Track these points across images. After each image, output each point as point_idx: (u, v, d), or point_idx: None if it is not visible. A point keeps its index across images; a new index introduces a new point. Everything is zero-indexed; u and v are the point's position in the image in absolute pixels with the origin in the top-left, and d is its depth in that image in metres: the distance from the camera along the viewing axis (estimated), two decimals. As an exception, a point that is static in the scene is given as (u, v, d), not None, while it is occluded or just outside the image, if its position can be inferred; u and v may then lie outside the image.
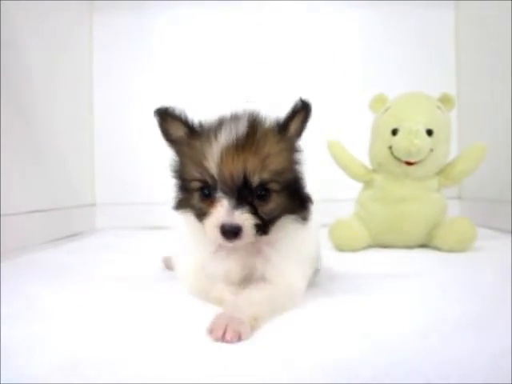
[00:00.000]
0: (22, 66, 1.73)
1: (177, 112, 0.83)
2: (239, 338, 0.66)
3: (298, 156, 0.84)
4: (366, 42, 2.36)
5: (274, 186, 0.78)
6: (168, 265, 1.27)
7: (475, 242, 1.50)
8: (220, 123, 0.81)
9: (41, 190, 1.84)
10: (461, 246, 1.48)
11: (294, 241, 0.86)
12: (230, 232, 0.74)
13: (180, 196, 0.86)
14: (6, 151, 1.56)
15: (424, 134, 1.47)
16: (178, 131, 0.84)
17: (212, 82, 2.34)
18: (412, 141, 1.45)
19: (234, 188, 0.75)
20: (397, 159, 1.51)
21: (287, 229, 0.84)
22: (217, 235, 0.75)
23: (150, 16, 2.41)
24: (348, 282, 1.03)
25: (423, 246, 1.60)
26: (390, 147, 1.52)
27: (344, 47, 2.36)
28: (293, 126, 0.82)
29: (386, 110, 1.57)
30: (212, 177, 0.76)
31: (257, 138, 0.77)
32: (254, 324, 0.70)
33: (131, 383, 0.53)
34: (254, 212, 0.76)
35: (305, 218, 0.85)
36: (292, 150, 0.82)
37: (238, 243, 0.76)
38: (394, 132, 1.52)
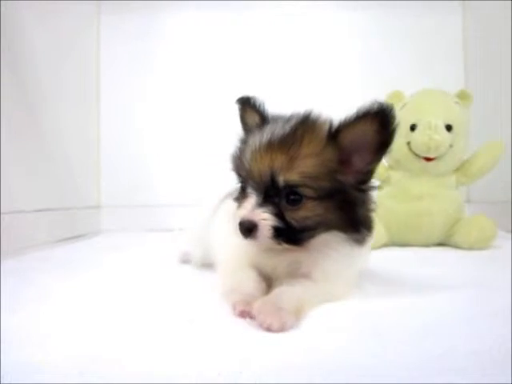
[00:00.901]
0: (30, 66, 1.70)
1: (256, 102, 0.83)
2: (283, 329, 0.63)
3: (350, 170, 0.73)
4: (380, 42, 2.33)
5: (306, 192, 0.71)
6: (186, 258, 1.23)
7: (494, 240, 1.48)
8: (275, 119, 0.78)
9: (46, 189, 1.80)
10: (481, 244, 1.45)
11: (344, 257, 0.78)
12: (245, 228, 0.71)
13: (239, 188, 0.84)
14: (13, 150, 1.52)
15: (443, 130, 1.45)
16: (252, 121, 0.83)
17: (216, 83, 2.32)
18: (431, 136, 1.43)
19: (261, 185, 0.73)
20: (415, 155, 1.49)
21: (333, 247, 0.76)
22: (237, 229, 0.73)
23: (157, 18, 2.40)
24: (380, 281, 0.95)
25: (441, 244, 1.57)
26: (409, 143, 1.50)
27: (358, 47, 2.33)
28: (347, 134, 0.72)
29: (404, 105, 1.56)
30: (246, 172, 0.75)
31: (294, 138, 0.72)
32: (298, 316, 0.67)
33: (150, 373, 0.49)
34: (278, 214, 0.71)
35: (358, 241, 0.76)
36: (337, 158, 0.72)
37: (255, 242, 0.72)
38: (413, 128, 1.50)
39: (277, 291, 0.71)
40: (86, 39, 2.29)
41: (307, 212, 0.71)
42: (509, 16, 1.92)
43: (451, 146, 1.47)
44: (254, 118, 0.82)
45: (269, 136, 0.73)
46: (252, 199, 0.73)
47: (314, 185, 0.70)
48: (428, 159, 1.48)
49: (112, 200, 2.39)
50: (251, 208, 0.72)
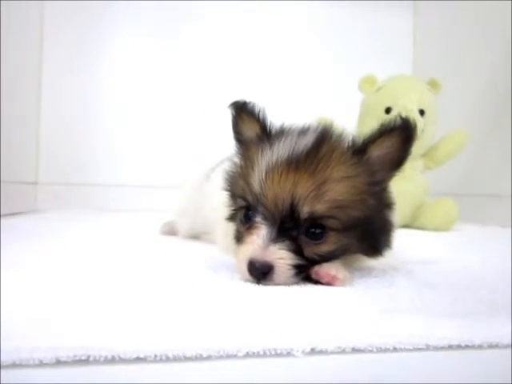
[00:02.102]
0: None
1: (255, 108, 0.70)
2: (345, 282, 0.61)
3: (380, 190, 0.66)
4: (338, 37, 2.39)
5: (331, 223, 0.60)
6: (170, 230, 1.13)
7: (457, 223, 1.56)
8: (285, 132, 0.67)
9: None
10: (446, 225, 1.52)
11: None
12: (258, 271, 0.59)
13: (233, 207, 0.72)
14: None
15: (418, 114, 1.49)
16: (251, 131, 0.70)
17: (161, 58, 2.23)
18: (407, 119, 1.46)
19: (276, 215, 0.60)
20: (389, 138, 1.52)
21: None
22: (244, 271, 0.60)
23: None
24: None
25: (405, 226, 1.62)
26: (383, 125, 1.52)
27: (322, 40, 2.38)
28: (375, 150, 0.64)
29: (379, 89, 1.58)
30: (255, 196, 0.62)
31: (318, 158, 0.61)
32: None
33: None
34: (297, 251, 0.60)
35: (375, 257, 0.70)
36: (367, 179, 0.63)
37: (269, 283, 0.60)
38: (388, 110, 1.53)
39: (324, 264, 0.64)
40: (29, 9, 2.04)
41: (330, 246, 0.62)
42: (456, 14, 2.04)
43: (423, 130, 1.52)
44: (251, 128, 0.70)
45: (288, 153, 0.61)
46: (262, 232, 0.60)
47: (343, 215, 0.60)
48: (401, 142, 1.51)
49: (50, 177, 2.17)
50: (263, 244, 0.59)
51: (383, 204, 0.67)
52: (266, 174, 0.60)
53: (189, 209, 1.05)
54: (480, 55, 1.92)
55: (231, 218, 0.73)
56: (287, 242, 0.60)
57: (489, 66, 1.87)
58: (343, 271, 0.62)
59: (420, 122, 1.48)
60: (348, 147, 0.64)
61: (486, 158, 1.81)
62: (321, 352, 0.39)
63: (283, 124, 0.71)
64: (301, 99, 2.24)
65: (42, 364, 0.35)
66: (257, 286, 0.59)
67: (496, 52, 1.85)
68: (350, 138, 0.66)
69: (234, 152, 0.74)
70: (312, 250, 0.61)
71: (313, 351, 0.39)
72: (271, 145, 0.63)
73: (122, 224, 1.45)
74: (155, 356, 0.36)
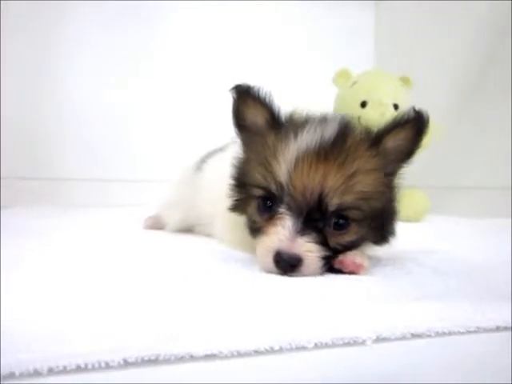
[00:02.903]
0: None
1: (261, 93, 0.67)
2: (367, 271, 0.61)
3: (391, 181, 0.67)
4: (307, 34, 2.41)
5: (354, 215, 0.61)
6: (154, 223, 1.08)
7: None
8: (305, 121, 0.65)
9: None
10: (417, 216, 1.58)
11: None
12: (286, 263, 0.58)
13: (237, 197, 0.70)
14: None
15: (392, 108, 1.53)
16: (258, 117, 0.68)
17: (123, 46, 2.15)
18: (383, 112, 1.50)
19: (303, 206, 0.59)
20: (365, 131, 1.55)
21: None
22: (269, 263, 0.59)
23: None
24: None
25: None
26: (359, 118, 1.55)
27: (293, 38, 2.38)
28: (390, 142, 0.65)
29: (354, 83, 1.61)
30: (279, 186, 0.60)
31: (346, 149, 0.60)
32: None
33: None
34: (323, 242, 0.60)
35: (382, 245, 0.70)
36: (386, 171, 0.65)
37: (293, 275, 0.59)
38: (363, 104, 1.56)
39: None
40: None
41: (353, 236, 0.62)
42: (416, 13, 2.12)
43: (396, 124, 1.57)
44: (257, 113, 0.68)
45: (315, 142, 0.59)
46: (288, 223, 0.59)
47: (366, 207, 0.61)
48: (376, 135, 1.55)
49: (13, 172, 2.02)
50: (290, 236, 0.58)
51: (394, 194, 0.68)
52: (296, 163, 0.59)
53: (179, 201, 1.01)
54: (442, 50, 2.00)
55: (235, 208, 0.71)
56: (314, 234, 0.59)
57: (451, 61, 1.95)
58: (366, 260, 0.62)
59: (394, 116, 1.52)
60: (365, 138, 0.64)
61: (445, 151, 1.89)
62: (385, 339, 0.39)
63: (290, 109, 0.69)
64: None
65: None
66: (285, 277, 0.58)
67: (458, 46, 1.93)
68: (362, 128, 0.66)
69: (236, 139, 0.72)
70: (336, 240, 0.61)
71: (378, 339, 0.39)
72: (295, 133, 0.61)
73: (96, 220, 1.37)
74: (225, 353, 0.34)
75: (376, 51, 2.52)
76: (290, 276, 0.58)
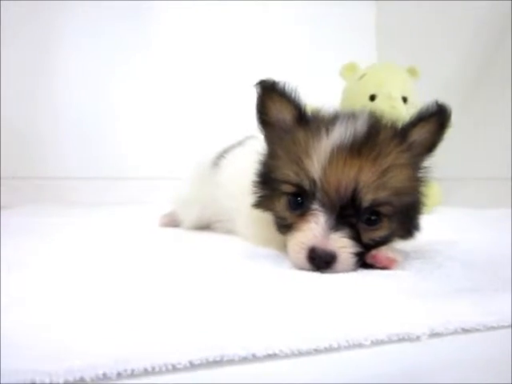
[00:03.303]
0: None
1: (287, 89, 0.67)
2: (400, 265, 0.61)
3: (420, 175, 0.67)
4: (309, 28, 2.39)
5: (386, 210, 0.60)
6: (170, 221, 1.08)
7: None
8: (334, 116, 0.65)
9: None
10: (429, 208, 1.57)
11: None
12: (321, 260, 0.57)
13: (262, 193, 0.70)
14: None
15: (401, 101, 1.53)
16: (284, 113, 0.67)
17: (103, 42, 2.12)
18: (393, 105, 1.50)
19: (336, 202, 0.58)
20: (374, 124, 1.55)
21: None
22: (302, 260, 0.59)
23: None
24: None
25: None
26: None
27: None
28: (416, 135, 0.65)
29: (362, 76, 1.60)
30: (312, 182, 0.59)
31: (379, 143, 0.60)
32: None
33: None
34: (356, 238, 0.59)
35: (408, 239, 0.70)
36: (416, 165, 0.65)
37: (330, 272, 0.59)
38: (372, 98, 1.55)
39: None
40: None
41: (385, 231, 0.62)
42: (417, 7, 2.12)
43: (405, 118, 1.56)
44: (284, 109, 0.67)
45: (348, 138, 0.59)
46: (321, 219, 0.58)
47: (397, 202, 0.61)
48: (386, 129, 1.55)
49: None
50: (324, 232, 0.58)
51: (421, 188, 0.68)
52: (329, 159, 0.58)
53: (196, 198, 1.01)
54: (444, 43, 2.00)
55: (260, 204, 0.71)
56: (347, 230, 0.58)
57: (453, 54, 1.95)
58: (398, 254, 0.62)
59: (403, 110, 1.52)
60: (396, 133, 0.64)
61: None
62: (438, 335, 0.39)
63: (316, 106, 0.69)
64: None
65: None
66: (324, 274, 0.57)
67: (459, 40, 1.93)
68: (389, 122, 0.66)
69: (254, 134, 0.72)
70: (369, 236, 0.61)
71: (431, 334, 0.39)
72: (326, 129, 0.61)
73: (109, 218, 1.37)
74: (285, 352, 0.34)
75: (377, 45, 2.52)
76: (324, 273, 0.58)
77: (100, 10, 2.10)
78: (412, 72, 1.65)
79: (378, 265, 0.61)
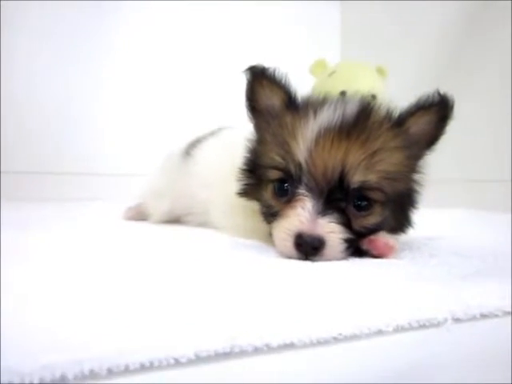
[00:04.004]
0: None
1: (277, 75, 0.65)
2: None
3: (417, 165, 0.64)
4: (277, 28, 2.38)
5: (377, 196, 0.58)
6: (137, 215, 1.01)
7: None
8: (323, 100, 0.63)
9: None
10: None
11: None
12: (308, 246, 0.54)
13: (248, 181, 0.66)
14: None
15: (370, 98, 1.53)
16: (274, 99, 0.65)
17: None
18: (362, 103, 1.49)
19: (323, 186, 0.55)
20: (344, 121, 1.54)
21: None
22: (289, 247, 0.55)
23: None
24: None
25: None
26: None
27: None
28: (413, 124, 0.62)
29: (332, 73, 1.59)
30: (298, 165, 0.56)
31: (368, 126, 0.58)
32: None
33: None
34: (346, 224, 0.56)
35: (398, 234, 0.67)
36: (410, 152, 0.62)
37: (315, 260, 0.55)
38: (342, 94, 1.54)
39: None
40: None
41: (376, 218, 0.59)
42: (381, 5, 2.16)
43: (374, 115, 1.57)
44: (274, 95, 0.65)
45: (336, 120, 0.56)
46: (308, 204, 0.55)
47: (389, 188, 0.58)
48: (355, 126, 1.55)
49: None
50: (310, 217, 0.54)
51: (417, 181, 0.65)
52: (315, 141, 0.55)
53: (166, 190, 0.94)
54: (407, 43, 2.03)
55: (245, 193, 0.67)
56: (336, 215, 0.55)
57: (417, 54, 1.99)
58: (396, 242, 0.59)
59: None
60: (390, 118, 0.61)
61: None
62: (459, 320, 0.36)
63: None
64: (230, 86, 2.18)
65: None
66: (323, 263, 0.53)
67: (423, 40, 1.97)
68: (385, 109, 0.63)
69: (249, 122, 0.68)
70: (360, 222, 0.58)
71: (453, 320, 0.35)
72: (314, 112, 0.58)
73: (72, 213, 1.26)
74: (303, 342, 0.30)
75: (342, 44, 2.54)
76: (312, 260, 0.54)
77: None
78: (380, 71, 1.66)
79: (374, 251, 0.58)
